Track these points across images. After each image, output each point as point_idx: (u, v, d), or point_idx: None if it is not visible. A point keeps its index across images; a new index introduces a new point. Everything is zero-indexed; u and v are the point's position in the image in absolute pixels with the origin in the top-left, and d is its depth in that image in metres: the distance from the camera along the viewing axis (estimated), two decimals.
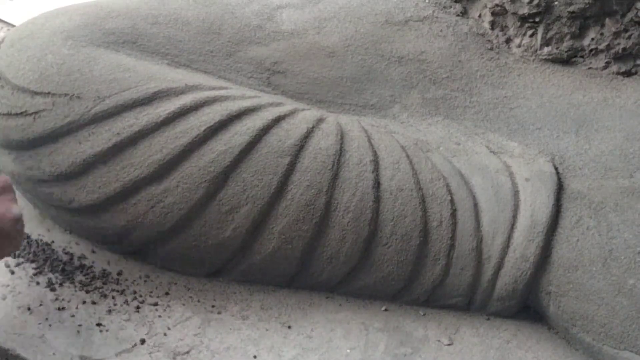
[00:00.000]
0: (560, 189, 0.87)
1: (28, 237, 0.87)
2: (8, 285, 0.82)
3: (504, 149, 0.92)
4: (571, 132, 0.92)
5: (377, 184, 0.86)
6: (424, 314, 0.89)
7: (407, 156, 0.88)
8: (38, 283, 0.83)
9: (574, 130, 0.92)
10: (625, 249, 0.80)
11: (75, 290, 0.83)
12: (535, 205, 0.85)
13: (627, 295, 0.79)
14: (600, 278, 0.81)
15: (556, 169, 0.89)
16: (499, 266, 0.86)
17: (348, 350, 0.83)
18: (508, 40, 1.02)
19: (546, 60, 1.00)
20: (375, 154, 0.87)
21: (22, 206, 0.80)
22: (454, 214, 0.86)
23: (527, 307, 0.89)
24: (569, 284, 0.83)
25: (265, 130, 0.84)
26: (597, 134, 0.91)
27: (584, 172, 0.88)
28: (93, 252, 0.89)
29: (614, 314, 0.80)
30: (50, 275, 0.84)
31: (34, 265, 0.85)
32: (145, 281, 0.87)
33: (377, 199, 0.85)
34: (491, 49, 1.01)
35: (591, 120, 0.93)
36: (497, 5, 1.00)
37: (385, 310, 0.89)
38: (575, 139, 0.92)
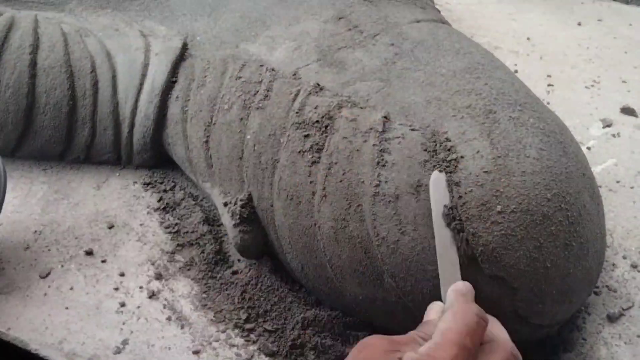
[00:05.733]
0: (181, 59, 1.04)
1: None
2: None
3: (153, 32, 1.09)
4: (205, 15, 1.09)
5: (33, 64, 1.05)
6: (79, 169, 1.08)
7: (65, 40, 1.07)
8: None
9: (208, 13, 1.09)
10: (201, 101, 0.97)
11: None
12: (156, 74, 1.03)
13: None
14: (194, 128, 0.98)
15: (186, 44, 1.06)
16: (132, 125, 1.05)
17: (11, 198, 1.04)
18: None
19: None
20: (37, 39, 1.06)
21: None
22: (95, 85, 1.05)
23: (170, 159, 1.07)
24: (177, 134, 1.01)
25: None
26: (224, 15, 1.08)
27: (205, 46, 1.05)
28: None
29: (199, 156, 0.97)
30: None
31: None
32: None
33: (33, 76, 1.05)
34: None
35: (223, 4, 1.09)
36: None
37: (56, 165, 1.09)
38: (207, 20, 1.08)
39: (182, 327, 0.85)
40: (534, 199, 0.71)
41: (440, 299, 0.71)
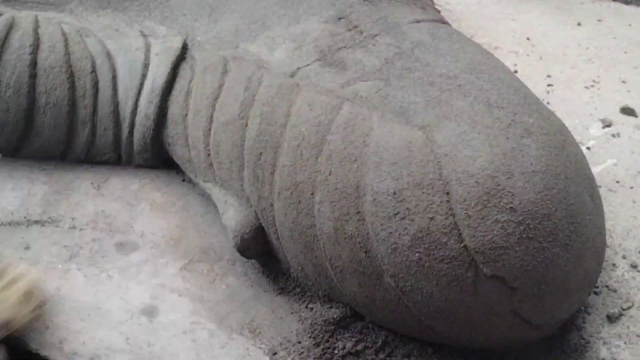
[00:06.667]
0: (181, 60, 1.04)
1: None
2: None
3: (153, 32, 1.09)
4: (205, 15, 1.09)
5: (33, 64, 1.05)
6: (79, 169, 1.08)
7: (65, 40, 1.07)
8: None
9: (208, 13, 1.09)
10: (201, 101, 0.97)
11: None
12: (156, 74, 1.03)
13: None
14: (194, 128, 0.98)
15: (186, 45, 1.06)
16: (132, 125, 1.05)
17: (11, 198, 1.04)
18: None
19: None
20: (37, 39, 1.06)
21: None
22: (95, 85, 1.05)
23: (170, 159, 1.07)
24: (177, 134, 1.01)
25: None
26: (224, 15, 1.08)
27: (205, 46, 1.05)
28: None
29: (199, 156, 0.97)
30: None
31: None
32: None
33: (33, 76, 1.05)
34: None
35: (223, 4, 1.09)
36: None
37: (56, 165, 1.09)
38: (207, 20, 1.08)
39: (182, 327, 0.85)
40: (533, 199, 0.71)
41: (440, 298, 0.71)
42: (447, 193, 0.71)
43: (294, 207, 0.80)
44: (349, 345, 0.82)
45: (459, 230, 0.70)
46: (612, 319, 0.86)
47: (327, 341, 0.83)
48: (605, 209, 0.88)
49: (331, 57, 0.92)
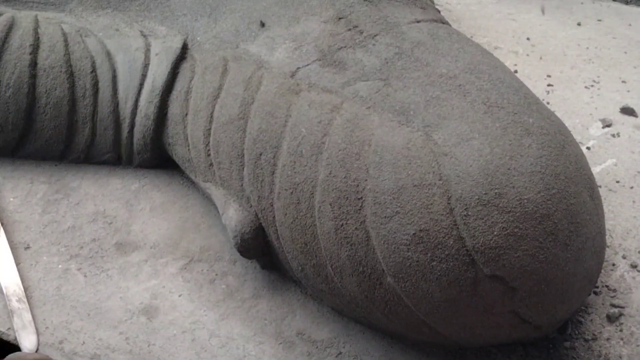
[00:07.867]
0: (181, 60, 1.04)
1: None
2: None
3: (153, 32, 1.09)
4: (205, 15, 1.09)
5: (33, 64, 1.05)
6: (79, 169, 1.08)
7: (65, 40, 1.07)
8: None
9: (208, 13, 1.09)
10: (201, 101, 0.97)
11: None
12: (156, 74, 1.03)
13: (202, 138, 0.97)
14: (194, 128, 0.98)
15: (186, 45, 1.06)
16: (132, 125, 1.05)
17: (11, 198, 1.04)
18: None
19: None
20: (37, 39, 1.06)
21: None
22: (95, 85, 1.05)
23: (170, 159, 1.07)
24: (177, 134, 1.01)
25: None
26: (224, 15, 1.08)
27: (205, 46, 1.05)
28: None
29: (199, 156, 0.97)
30: None
31: None
32: None
33: (33, 76, 1.05)
34: None
35: (223, 4, 1.09)
36: None
37: (56, 165, 1.09)
38: (207, 20, 1.08)
39: (182, 327, 0.85)
40: (533, 199, 0.71)
41: (440, 298, 0.71)
42: (447, 193, 0.71)
43: (294, 207, 0.80)
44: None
45: (458, 230, 0.70)
46: (612, 319, 0.86)
47: (329, 342, 0.83)
48: (605, 209, 0.88)
49: (331, 57, 0.92)
